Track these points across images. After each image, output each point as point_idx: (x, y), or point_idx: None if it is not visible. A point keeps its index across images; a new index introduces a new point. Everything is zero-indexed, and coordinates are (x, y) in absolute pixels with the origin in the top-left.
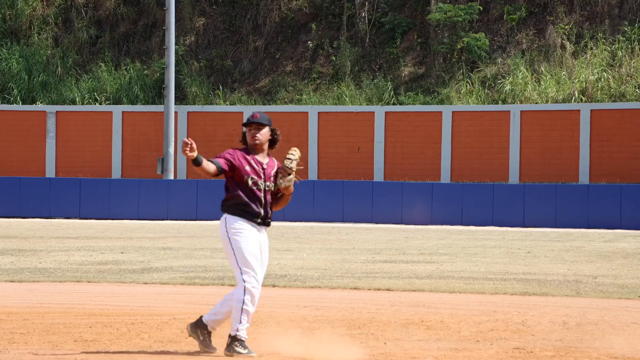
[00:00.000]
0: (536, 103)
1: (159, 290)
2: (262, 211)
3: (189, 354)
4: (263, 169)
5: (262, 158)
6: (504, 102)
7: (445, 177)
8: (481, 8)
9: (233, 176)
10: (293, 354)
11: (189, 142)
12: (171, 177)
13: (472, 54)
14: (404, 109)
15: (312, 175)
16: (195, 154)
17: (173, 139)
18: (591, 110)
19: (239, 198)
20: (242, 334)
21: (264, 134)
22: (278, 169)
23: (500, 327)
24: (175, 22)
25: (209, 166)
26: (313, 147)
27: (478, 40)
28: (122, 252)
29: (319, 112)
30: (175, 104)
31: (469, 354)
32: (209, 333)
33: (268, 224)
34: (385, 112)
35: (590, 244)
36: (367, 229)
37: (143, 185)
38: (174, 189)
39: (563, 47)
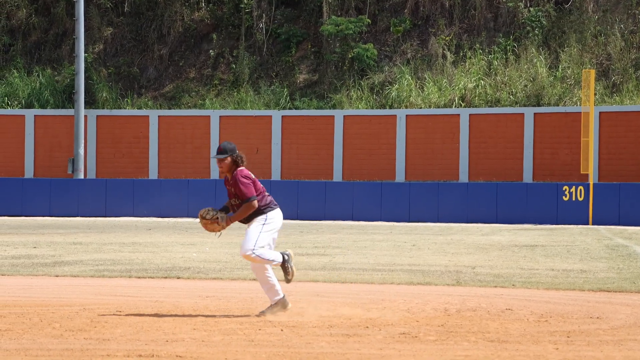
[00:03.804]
0: (420, 108)
1: (70, 282)
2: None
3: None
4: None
5: (228, 180)
6: (391, 107)
7: (337, 176)
8: (369, 21)
9: None
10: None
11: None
12: (81, 176)
13: (361, 63)
14: (299, 113)
15: (214, 174)
16: (225, 224)
17: (83, 140)
18: (470, 114)
19: None
20: None
21: (224, 165)
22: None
23: (388, 314)
24: (85, 31)
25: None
26: (215, 148)
27: (367, 50)
28: (35, 247)
29: (220, 116)
30: (85, 108)
31: (359, 339)
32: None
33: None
34: (282, 116)
35: (469, 237)
36: None
37: (54, 184)
38: (83, 188)
39: (444, 56)
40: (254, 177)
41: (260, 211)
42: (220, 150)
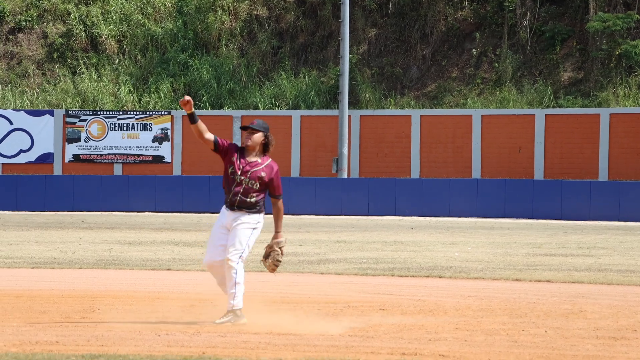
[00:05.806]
0: None
1: (334, 280)
2: (230, 197)
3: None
4: (247, 164)
5: (251, 158)
6: None
7: (602, 175)
8: (639, 17)
9: (224, 164)
10: None
11: (189, 99)
12: (345, 175)
13: (629, 60)
14: (563, 111)
15: (476, 174)
16: (192, 110)
17: (347, 140)
18: None
19: (223, 182)
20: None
21: (254, 139)
22: (270, 252)
23: None
24: (350, 32)
25: (207, 133)
26: (477, 147)
27: (635, 47)
28: (301, 245)
29: (482, 115)
30: (348, 108)
31: (626, 342)
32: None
33: (236, 209)
34: (546, 115)
35: None
36: (528, 224)
37: (319, 183)
38: (347, 187)
39: None
40: None
41: (260, 209)
42: (255, 124)
